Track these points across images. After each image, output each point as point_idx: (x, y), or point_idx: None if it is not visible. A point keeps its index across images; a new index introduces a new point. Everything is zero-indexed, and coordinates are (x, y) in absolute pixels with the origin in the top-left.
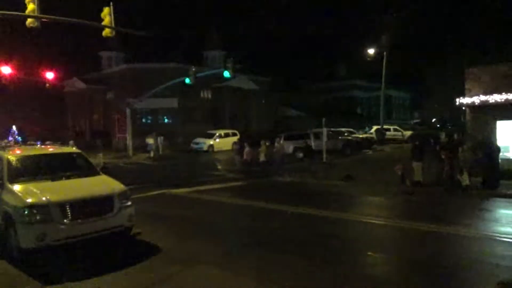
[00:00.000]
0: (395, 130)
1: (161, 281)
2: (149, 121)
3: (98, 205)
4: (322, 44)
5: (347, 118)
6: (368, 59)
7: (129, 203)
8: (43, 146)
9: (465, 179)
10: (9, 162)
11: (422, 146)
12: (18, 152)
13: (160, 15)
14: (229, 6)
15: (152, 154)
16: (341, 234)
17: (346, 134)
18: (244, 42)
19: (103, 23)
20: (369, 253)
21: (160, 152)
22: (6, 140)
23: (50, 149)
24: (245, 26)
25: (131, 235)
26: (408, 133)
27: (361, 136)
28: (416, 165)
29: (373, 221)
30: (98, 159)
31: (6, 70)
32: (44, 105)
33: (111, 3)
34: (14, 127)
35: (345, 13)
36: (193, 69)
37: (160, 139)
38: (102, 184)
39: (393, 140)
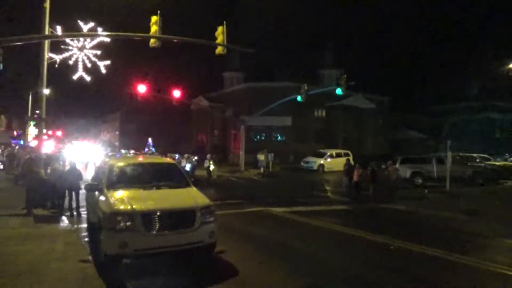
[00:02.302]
0: None
1: None
2: (262, 138)
3: (180, 218)
4: (451, 62)
5: (482, 143)
6: (510, 75)
7: (212, 218)
8: (148, 156)
9: None
10: (110, 169)
11: None
12: (121, 160)
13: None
14: (348, 25)
15: (262, 170)
16: (455, 282)
17: (478, 160)
18: (363, 61)
19: (216, 41)
20: None
21: (270, 169)
22: (143, 151)
23: (151, 159)
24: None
25: (214, 253)
26: None
27: (498, 164)
28: None
29: (501, 271)
30: (213, 172)
31: (142, 88)
32: (175, 121)
33: (224, 23)
34: (150, 140)
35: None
36: (305, 87)
37: (270, 156)
38: (187, 197)
39: None
